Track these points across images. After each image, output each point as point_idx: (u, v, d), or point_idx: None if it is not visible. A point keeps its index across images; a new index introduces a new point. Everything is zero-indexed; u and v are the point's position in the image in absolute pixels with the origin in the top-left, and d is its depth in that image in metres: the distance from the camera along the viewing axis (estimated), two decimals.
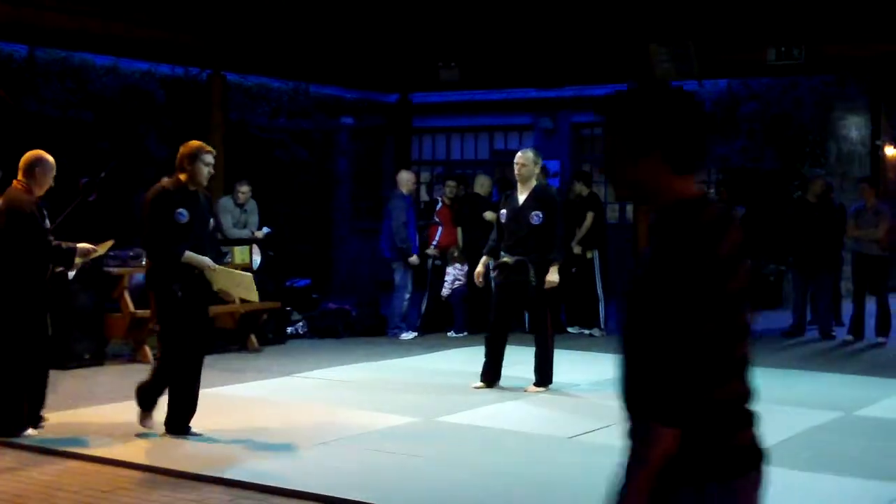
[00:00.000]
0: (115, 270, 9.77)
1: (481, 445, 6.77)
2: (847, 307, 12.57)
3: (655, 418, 2.25)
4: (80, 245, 6.96)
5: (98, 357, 9.66)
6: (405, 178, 12.17)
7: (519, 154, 8.71)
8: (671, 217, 2.36)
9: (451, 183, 12.71)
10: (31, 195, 6.76)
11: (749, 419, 2.41)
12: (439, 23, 11.87)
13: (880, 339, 11.80)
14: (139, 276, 10.60)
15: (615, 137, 2.42)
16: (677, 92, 2.45)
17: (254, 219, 12.19)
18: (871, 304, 11.97)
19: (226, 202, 11.98)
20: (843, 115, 16.52)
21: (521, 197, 8.59)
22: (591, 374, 9.53)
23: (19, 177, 6.81)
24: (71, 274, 7.35)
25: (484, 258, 8.97)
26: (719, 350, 2.30)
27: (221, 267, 7.08)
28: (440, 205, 12.63)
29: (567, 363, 9.89)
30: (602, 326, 12.34)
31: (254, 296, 7.35)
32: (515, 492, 5.77)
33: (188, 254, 6.63)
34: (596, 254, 12.33)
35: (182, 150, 6.78)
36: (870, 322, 11.93)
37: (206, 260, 6.77)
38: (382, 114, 17.66)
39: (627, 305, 2.38)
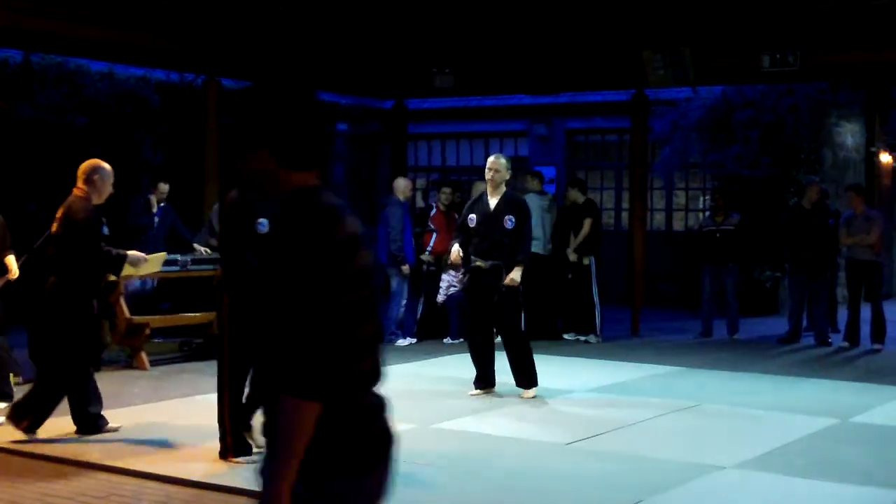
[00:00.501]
0: (110, 276, 9.72)
1: (478, 452, 6.76)
2: (843, 313, 12.57)
3: (299, 393, 2.30)
4: (131, 252, 6.97)
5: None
6: (402, 185, 12.15)
7: (492, 159, 8.65)
8: (289, 205, 2.43)
9: (446, 189, 12.68)
10: (89, 202, 6.80)
11: (382, 400, 2.49)
12: (434, 29, 11.87)
13: (876, 346, 11.80)
14: (136, 282, 10.59)
15: (230, 134, 2.49)
16: (293, 89, 2.48)
17: None
18: (866, 311, 11.98)
19: (219, 208, 11.92)
20: (837, 121, 16.54)
21: (493, 201, 8.57)
22: (587, 380, 9.53)
23: (79, 184, 6.85)
24: None
25: (456, 246, 8.91)
26: (346, 328, 2.36)
27: None
28: (435, 211, 12.61)
29: (563, 369, 9.89)
30: (598, 333, 12.33)
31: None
32: (513, 498, 5.75)
33: None
34: (592, 260, 12.33)
35: None
36: (865, 328, 11.94)
37: None
38: (378, 120, 17.66)
39: (257, 293, 2.43)
